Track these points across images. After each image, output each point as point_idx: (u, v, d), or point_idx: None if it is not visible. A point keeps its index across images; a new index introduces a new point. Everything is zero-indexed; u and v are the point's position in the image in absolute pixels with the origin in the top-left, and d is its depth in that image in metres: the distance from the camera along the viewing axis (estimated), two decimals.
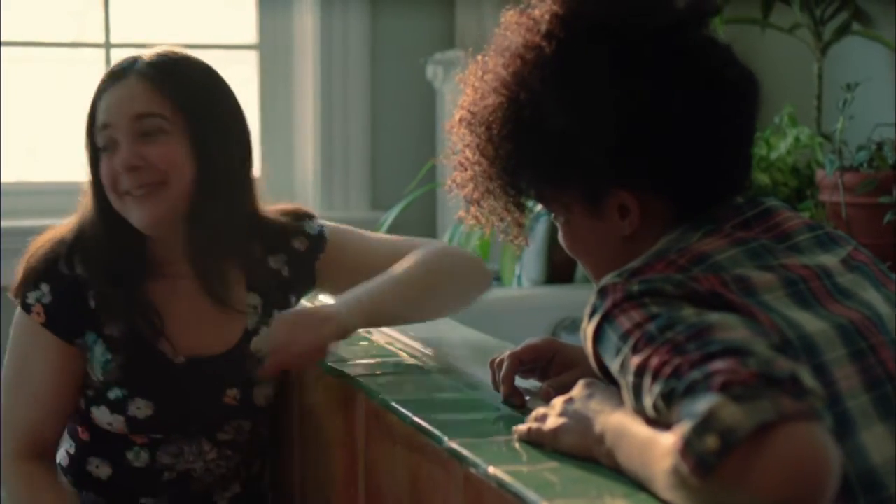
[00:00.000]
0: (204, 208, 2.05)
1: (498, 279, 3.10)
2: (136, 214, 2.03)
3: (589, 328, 1.43)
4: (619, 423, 1.38)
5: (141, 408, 2.06)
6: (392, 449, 1.74)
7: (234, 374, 2.10)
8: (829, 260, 1.51)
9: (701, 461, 1.18)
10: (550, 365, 1.78)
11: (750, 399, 1.18)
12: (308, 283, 2.19)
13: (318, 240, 2.18)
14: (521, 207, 1.66)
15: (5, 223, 3.66)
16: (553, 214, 1.65)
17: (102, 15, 3.85)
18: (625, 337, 1.36)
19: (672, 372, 1.27)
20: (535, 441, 1.51)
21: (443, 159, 1.76)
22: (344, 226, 2.24)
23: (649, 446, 1.29)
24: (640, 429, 1.33)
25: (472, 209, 1.69)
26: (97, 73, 3.82)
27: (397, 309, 2.04)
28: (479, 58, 1.65)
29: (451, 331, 2.45)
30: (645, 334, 1.34)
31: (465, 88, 1.65)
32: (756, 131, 1.62)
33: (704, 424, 1.18)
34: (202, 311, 2.10)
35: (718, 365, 1.23)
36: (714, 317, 1.32)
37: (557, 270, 2.99)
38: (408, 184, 3.59)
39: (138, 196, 2.02)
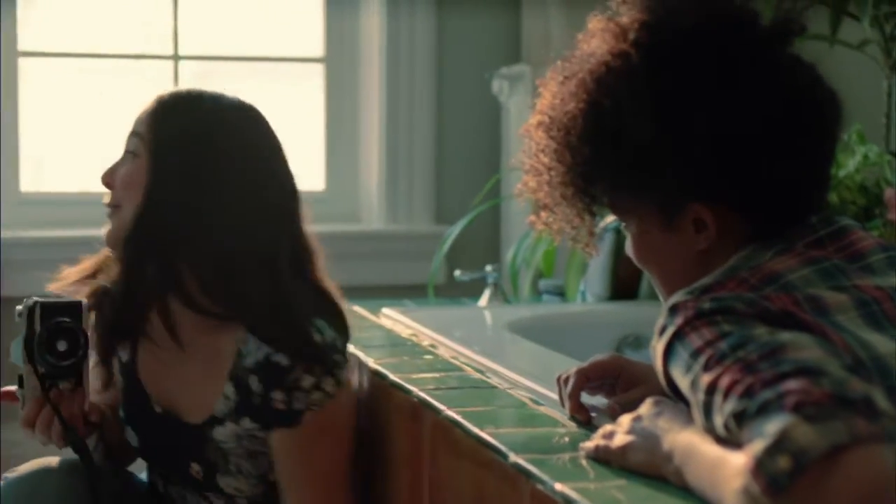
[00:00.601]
0: (130, 235, 1.98)
1: (562, 294, 3.10)
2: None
3: (659, 345, 1.43)
4: (689, 442, 1.37)
5: (131, 437, 2.11)
6: (458, 464, 1.74)
7: (194, 451, 2.04)
8: None
9: (773, 481, 1.17)
10: (617, 381, 1.77)
11: (823, 420, 1.17)
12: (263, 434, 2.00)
13: (289, 416, 1.95)
14: (594, 215, 1.65)
15: (62, 233, 3.70)
16: (624, 224, 1.64)
17: (171, 27, 3.88)
18: (696, 354, 1.36)
19: (744, 391, 1.26)
20: (603, 458, 1.50)
21: (514, 163, 1.74)
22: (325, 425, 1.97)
23: (719, 465, 1.28)
24: (709, 448, 1.32)
25: (543, 214, 1.67)
26: (165, 86, 3.86)
27: None
28: (560, 62, 1.64)
29: (515, 346, 2.45)
30: (716, 352, 1.33)
31: (544, 92, 1.63)
32: (841, 126, 1.60)
33: (777, 445, 1.17)
34: (187, 371, 2.05)
35: (791, 385, 1.22)
36: (787, 336, 1.31)
37: (622, 286, 2.97)
38: (472, 198, 3.59)
39: (108, 215, 2.03)
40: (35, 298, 1.99)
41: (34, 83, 3.83)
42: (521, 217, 3.79)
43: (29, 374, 1.98)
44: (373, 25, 3.95)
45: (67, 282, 2.09)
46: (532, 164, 1.65)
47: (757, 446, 1.19)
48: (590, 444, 1.53)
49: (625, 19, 1.58)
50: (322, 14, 4.00)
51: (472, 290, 3.25)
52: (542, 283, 3.17)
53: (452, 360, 2.17)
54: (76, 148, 3.92)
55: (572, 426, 1.70)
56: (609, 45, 1.57)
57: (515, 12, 3.99)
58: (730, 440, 1.28)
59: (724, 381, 1.29)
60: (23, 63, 3.78)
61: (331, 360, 1.96)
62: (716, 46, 1.53)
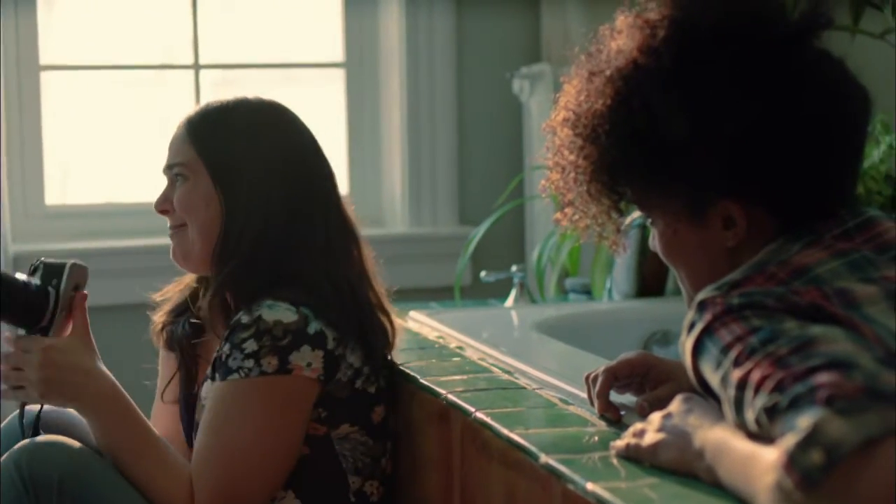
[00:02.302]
0: (218, 253, 2.07)
1: (588, 293, 3.09)
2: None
3: (688, 342, 1.42)
4: (720, 438, 1.36)
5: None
6: (488, 466, 1.74)
7: (189, 417, 2.11)
8: None
9: (806, 476, 1.16)
10: (646, 379, 1.77)
11: (856, 413, 1.17)
12: None
13: (222, 368, 1.98)
14: (620, 212, 1.64)
15: (88, 244, 3.71)
16: (650, 220, 1.63)
17: (191, 37, 3.88)
18: (726, 350, 1.35)
19: (775, 386, 1.26)
20: (634, 457, 1.50)
21: (538, 159, 1.73)
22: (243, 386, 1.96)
23: (751, 461, 1.28)
24: (741, 444, 1.31)
25: (568, 212, 1.67)
26: (186, 95, 3.88)
27: (114, 440, 1.99)
28: (584, 58, 1.62)
29: (543, 346, 2.45)
30: (746, 347, 1.33)
31: (568, 88, 1.62)
32: (870, 119, 1.58)
33: (809, 438, 1.17)
34: (207, 344, 2.15)
35: (823, 378, 1.22)
36: (817, 329, 1.31)
37: (648, 283, 2.97)
38: (496, 199, 3.58)
39: (171, 236, 2.13)
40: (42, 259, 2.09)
41: (56, 97, 3.84)
42: (545, 216, 3.78)
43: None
44: (392, 28, 3.95)
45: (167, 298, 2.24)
46: (556, 161, 1.64)
47: (789, 441, 1.18)
48: (620, 443, 1.53)
49: (653, 15, 1.57)
50: (341, 19, 4.00)
51: (498, 291, 3.25)
52: (569, 282, 3.17)
53: (480, 362, 2.17)
54: (100, 160, 3.93)
55: (602, 425, 1.70)
56: (637, 42, 1.56)
57: (534, 11, 3.99)
58: (761, 435, 1.28)
59: (755, 376, 1.29)
60: (44, 77, 3.79)
61: (290, 343, 1.96)
62: (743, 43, 1.52)
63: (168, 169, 2.12)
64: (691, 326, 1.43)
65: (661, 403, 1.60)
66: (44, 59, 3.78)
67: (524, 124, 3.96)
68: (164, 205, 2.12)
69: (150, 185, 3.87)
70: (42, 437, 2.00)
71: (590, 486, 1.41)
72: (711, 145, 1.50)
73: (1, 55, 3.59)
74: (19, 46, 3.73)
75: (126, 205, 3.89)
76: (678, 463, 1.43)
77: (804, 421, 1.18)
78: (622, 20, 1.60)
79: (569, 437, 1.65)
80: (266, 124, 2.11)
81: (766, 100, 1.50)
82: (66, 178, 3.91)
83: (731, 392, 1.33)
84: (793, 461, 1.17)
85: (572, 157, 1.61)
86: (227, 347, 1.97)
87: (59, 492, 1.92)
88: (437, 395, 1.94)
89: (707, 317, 1.40)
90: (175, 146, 2.12)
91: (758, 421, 1.28)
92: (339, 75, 4.01)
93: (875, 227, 1.53)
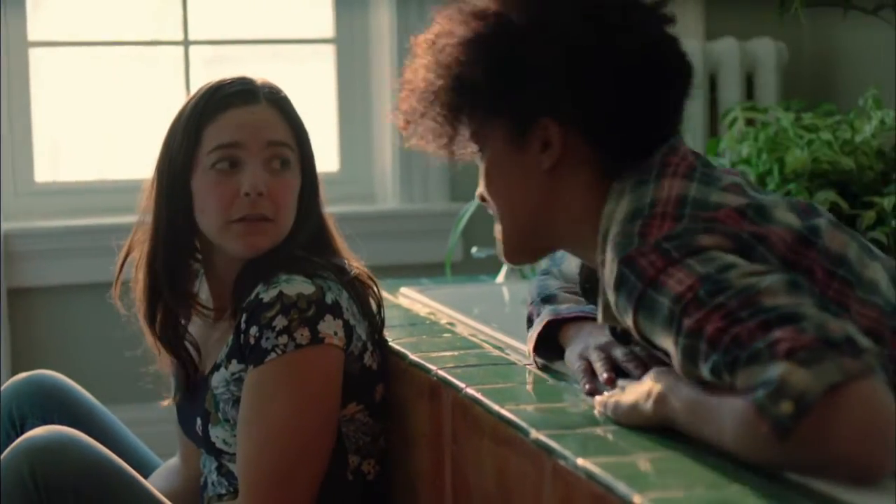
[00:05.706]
0: (285, 244, 2.05)
1: None
2: (239, 243, 2.02)
3: (629, 299, 1.46)
4: (692, 396, 1.41)
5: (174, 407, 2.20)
6: (479, 442, 1.74)
7: (200, 404, 2.07)
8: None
9: (778, 424, 1.23)
10: None
11: (815, 362, 1.23)
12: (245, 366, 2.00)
13: (255, 351, 1.95)
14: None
15: (78, 222, 3.70)
16: (481, 156, 1.73)
17: (181, 12, 3.87)
18: (678, 299, 1.40)
19: (731, 341, 1.31)
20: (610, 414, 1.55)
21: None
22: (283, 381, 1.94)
23: (718, 410, 1.34)
24: (708, 397, 1.37)
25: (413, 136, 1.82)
26: (176, 72, 3.86)
27: None
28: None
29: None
30: (695, 297, 1.38)
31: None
32: (691, 87, 1.64)
33: (778, 391, 1.23)
34: (207, 330, 2.12)
35: (779, 333, 1.28)
36: (757, 281, 1.36)
37: None
38: None
39: (251, 223, 2.01)
40: None
41: (45, 73, 3.82)
42: None
43: None
44: (382, 4, 3.94)
45: None
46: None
47: (757, 394, 1.25)
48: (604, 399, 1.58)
49: None
50: None
51: (489, 267, 3.24)
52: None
53: (471, 338, 2.17)
54: (90, 136, 3.92)
55: (591, 401, 1.70)
56: None
57: None
58: (716, 385, 1.34)
59: (709, 330, 1.34)
60: (33, 53, 3.78)
61: (315, 313, 1.94)
62: None
63: (269, 146, 2.03)
64: (624, 282, 1.46)
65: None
66: (32, 35, 3.76)
67: None
68: (265, 187, 2.02)
69: (140, 161, 3.86)
70: (54, 435, 1.94)
71: (580, 461, 1.41)
72: (541, 65, 1.58)
73: None
74: (7, 22, 3.71)
75: (116, 181, 3.88)
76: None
77: (770, 374, 1.25)
78: None
79: (559, 413, 1.65)
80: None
81: (596, 28, 1.57)
82: (56, 155, 3.90)
83: (683, 341, 1.38)
84: (763, 412, 1.24)
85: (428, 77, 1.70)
86: (254, 330, 1.93)
87: (75, 500, 1.89)
88: (427, 371, 1.94)
89: (648, 271, 1.44)
90: (272, 123, 2.06)
91: (713, 371, 1.33)
92: (329, 51, 4.00)
93: (679, 149, 1.59)
